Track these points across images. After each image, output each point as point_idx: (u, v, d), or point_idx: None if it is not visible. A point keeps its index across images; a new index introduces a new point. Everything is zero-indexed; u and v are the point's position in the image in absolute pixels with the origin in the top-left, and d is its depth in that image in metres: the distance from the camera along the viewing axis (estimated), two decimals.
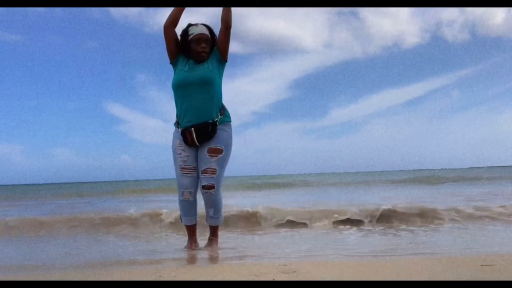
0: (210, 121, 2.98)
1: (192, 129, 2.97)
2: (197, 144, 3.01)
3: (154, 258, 3.01)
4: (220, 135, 3.02)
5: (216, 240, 3.22)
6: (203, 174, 3.02)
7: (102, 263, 2.85)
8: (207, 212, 3.13)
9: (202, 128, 2.97)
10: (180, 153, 3.07)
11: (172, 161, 3.15)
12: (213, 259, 2.87)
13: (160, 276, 2.00)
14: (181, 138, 3.05)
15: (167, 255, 3.18)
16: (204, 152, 3.02)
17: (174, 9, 3.05)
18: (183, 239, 4.06)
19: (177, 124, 3.09)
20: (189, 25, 3.08)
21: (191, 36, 3.02)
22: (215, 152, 3.02)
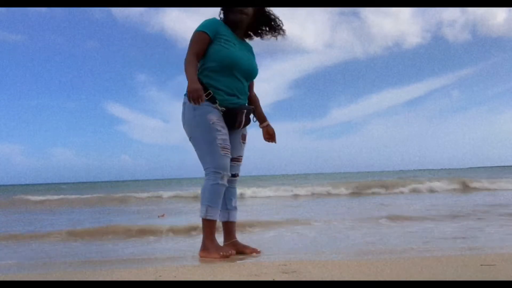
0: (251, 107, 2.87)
1: (245, 111, 2.76)
2: (241, 127, 2.80)
3: (154, 258, 3.01)
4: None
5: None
6: (235, 162, 2.81)
7: (102, 263, 2.85)
8: (230, 203, 2.84)
9: (249, 113, 2.82)
10: (220, 130, 2.66)
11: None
12: (213, 260, 2.86)
13: (160, 276, 2.00)
14: (217, 114, 2.67)
15: (167, 255, 3.18)
16: (238, 139, 2.84)
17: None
18: (183, 238, 4.07)
19: (210, 98, 2.66)
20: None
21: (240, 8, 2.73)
22: (245, 139, 2.89)
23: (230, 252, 2.66)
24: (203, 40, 2.66)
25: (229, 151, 2.69)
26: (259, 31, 2.90)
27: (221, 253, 2.61)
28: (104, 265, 2.72)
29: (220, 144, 2.63)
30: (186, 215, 7.13)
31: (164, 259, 2.92)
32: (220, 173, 2.63)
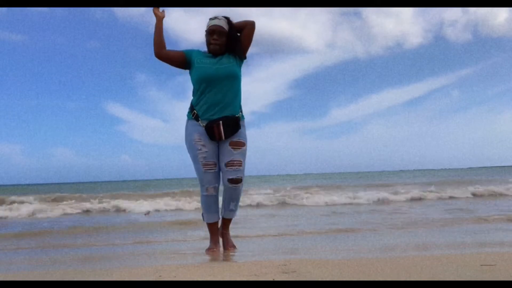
0: (236, 115, 2.97)
1: (221, 122, 2.91)
2: (223, 138, 2.93)
3: (154, 258, 3.01)
4: (241, 131, 3.01)
5: (229, 233, 3.21)
6: (229, 167, 2.95)
7: (102, 263, 2.86)
8: (227, 205, 3.07)
9: (230, 122, 2.93)
10: (200, 149, 2.97)
11: (186, 157, 3.07)
12: (213, 260, 2.87)
13: (160, 276, 2.00)
14: (200, 131, 2.96)
15: (167, 255, 3.18)
16: (226, 146, 2.97)
17: (154, 36, 3.04)
18: (183, 238, 4.07)
19: (195, 116, 3.00)
20: (210, 18, 3.02)
21: (207, 27, 3.00)
22: (237, 145, 2.97)
23: (212, 250, 3.05)
24: (179, 52, 3.06)
25: (211, 166, 2.98)
26: (231, 50, 3.03)
27: (207, 250, 3.06)
28: (104, 265, 2.72)
29: (201, 161, 2.97)
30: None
31: (164, 259, 2.92)
32: (205, 186, 3.00)
